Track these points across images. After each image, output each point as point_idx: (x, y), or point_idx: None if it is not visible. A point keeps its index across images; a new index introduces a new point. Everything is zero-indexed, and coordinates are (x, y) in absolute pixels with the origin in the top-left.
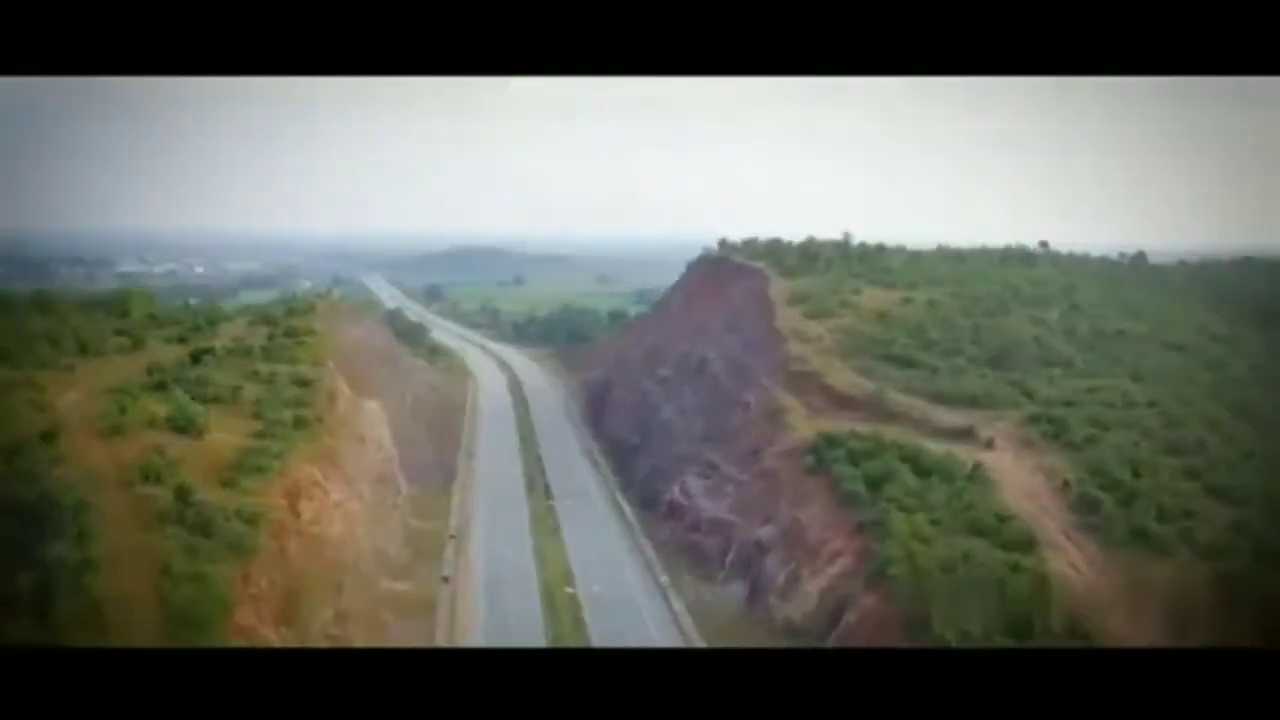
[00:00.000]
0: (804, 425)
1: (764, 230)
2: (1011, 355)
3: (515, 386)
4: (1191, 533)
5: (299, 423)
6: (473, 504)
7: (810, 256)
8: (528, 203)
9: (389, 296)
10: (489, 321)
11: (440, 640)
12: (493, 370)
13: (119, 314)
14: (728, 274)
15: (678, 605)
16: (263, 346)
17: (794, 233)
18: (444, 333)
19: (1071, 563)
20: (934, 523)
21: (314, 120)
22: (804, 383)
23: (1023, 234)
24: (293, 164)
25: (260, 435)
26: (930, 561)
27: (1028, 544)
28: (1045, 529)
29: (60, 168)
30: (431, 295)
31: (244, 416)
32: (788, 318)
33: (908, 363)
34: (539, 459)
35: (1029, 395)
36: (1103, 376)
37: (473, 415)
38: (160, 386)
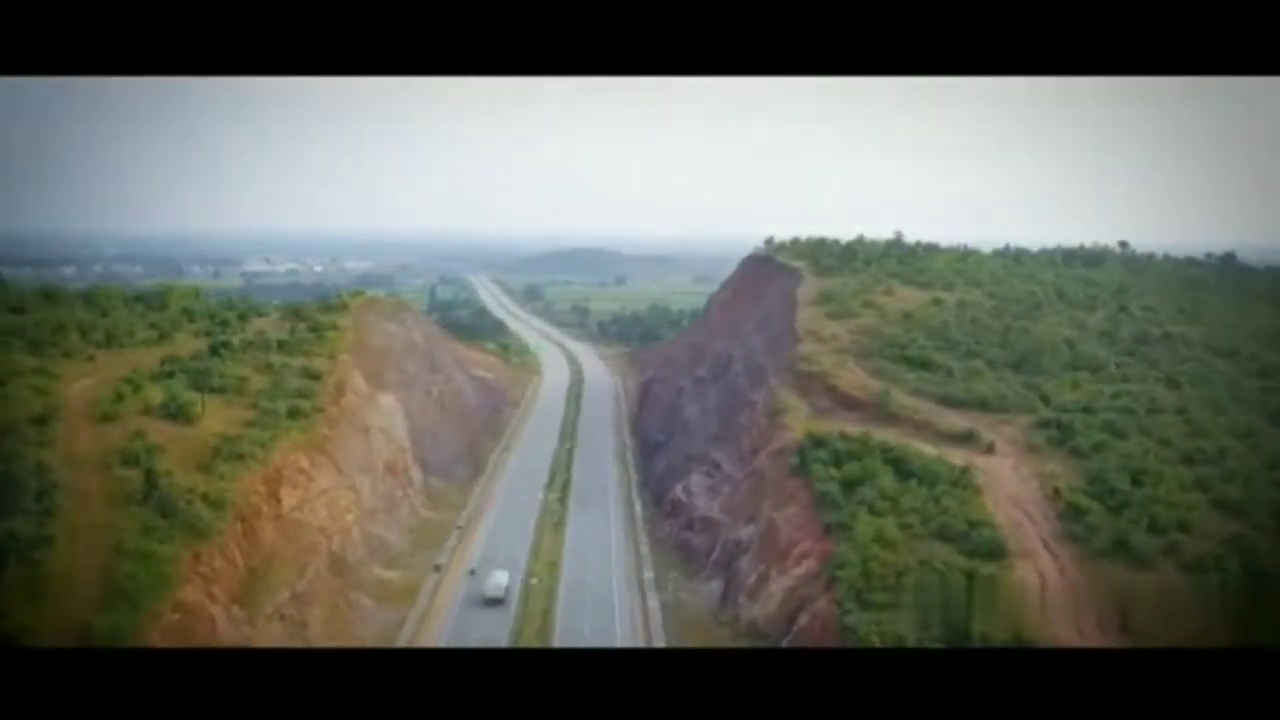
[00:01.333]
0: (800, 425)
1: (853, 229)
2: (1038, 358)
3: (576, 385)
4: (1179, 545)
5: (295, 413)
6: (491, 497)
7: (848, 256)
8: (638, 204)
9: (489, 294)
10: (578, 320)
11: (409, 626)
12: (562, 368)
13: (158, 308)
14: (769, 273)
15: (652, 602)
16: (280, 340)
17: (880, 231)
18: (532, 331)
19: (1040, 571)
20: (904, 527)
21: (436, 121)
22: (810, 383)
23: (1112, 233)
24: (415, 165)
25: (251, 424)
26: (885, 566)
27: (995, 551)
28: (1024, 536)
29: (192, 168)
30: (530, 294)
31: (245, 406)
32: (807, 317)
33: (923, 364)
34: (570, 455)
35: (1045, 400)
36: (1133, 381)
37: (525, 412)
38: (169, 376)
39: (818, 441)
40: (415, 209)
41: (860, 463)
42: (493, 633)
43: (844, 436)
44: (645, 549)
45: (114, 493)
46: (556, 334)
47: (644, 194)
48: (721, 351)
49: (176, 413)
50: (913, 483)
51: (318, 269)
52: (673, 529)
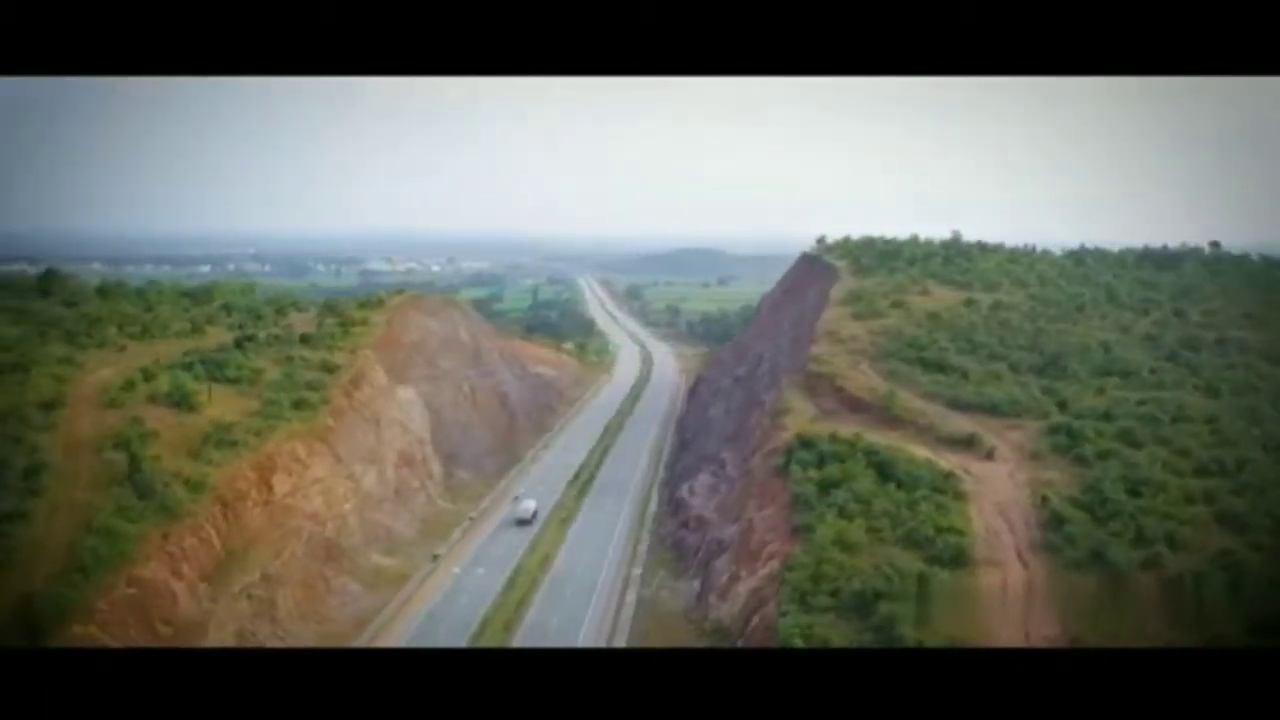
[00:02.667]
0: (796, 426)
1: (958, 229)
2: (1066, 362)
3: (640, 383)
4: (1161, 559)
5: (301, 404)
6: (513, 490)
7: (891, 255)
8: (750, 202)
9: (592, 294)
10: (668, 320)
11: (386, 613)
12: (635, 366)
13: (204, 303)
14: (816, 273)
15: (630, 598)
16: (304, 335)
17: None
18: (621, 330)
19: (1005, 580)
20: (872, 531)
21: (558, 124)
22: (818, 384)
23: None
24: (536, 167)
25: (253, 414)
26: (839, 569)
27: (957, 559)
28: (997, 545)
29: (323, 170)
30: (632, 294)
31: (255, 397)
32: (831, 318)
33: (939, 366)
34: (605, 452)
35: (1062, 405)
36: (1167, 388)
37: (579, 409)
38: (188, 367)
39: (806, 443)
40: (539, 210)
41: (842, 465)
42: (462, 621)
43: (833, 438)
44: (644, 546)
45: (100, 474)
46: (644, 333)
47: (757, 193)
48: (757, 352)
49: (180, 401)
50: (891, 486)
51: (435, 268)
52: (672, 527)
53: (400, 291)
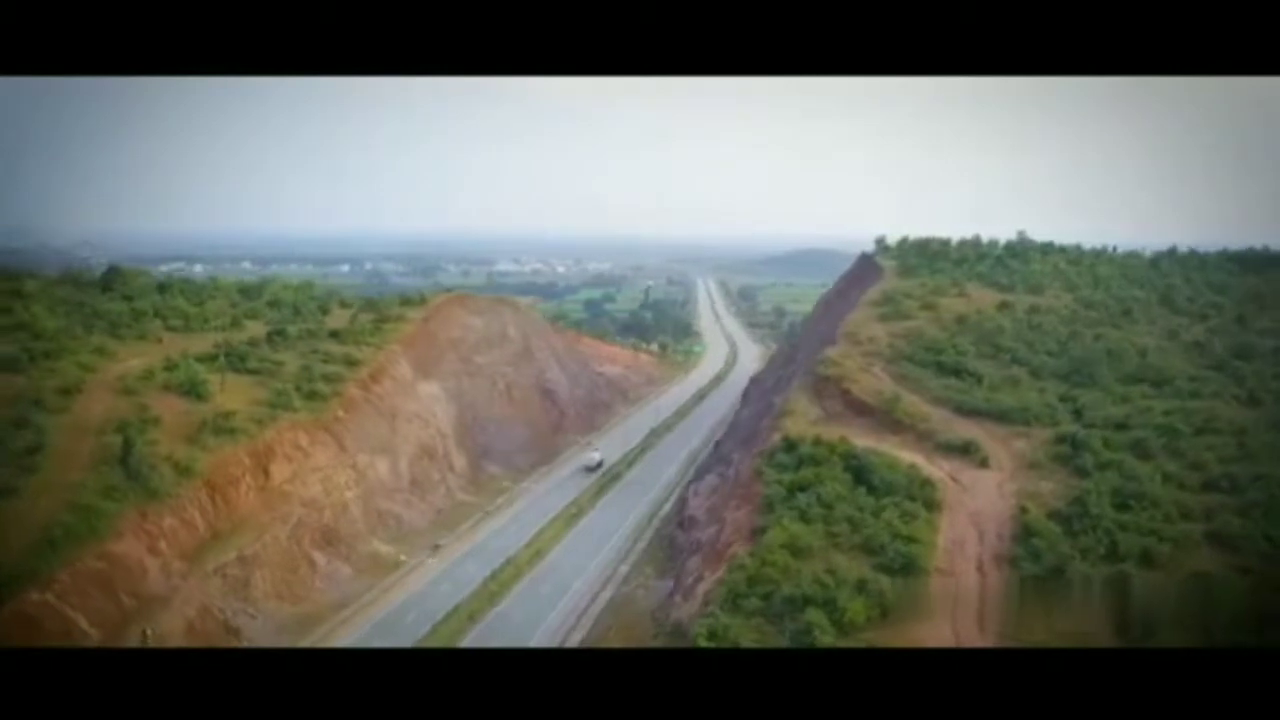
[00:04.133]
0: (791, 428)
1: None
2: (1093, 369)
3: (713, 384)
4: (1126, 578)
5: (312, 395)
6: (537, 486)
7: (939, 255)
8: (877, 202)
9: (705, 295)
10: (773, 322)
11: (368, 596)
12: (716, 367)
13: (254, 298)
14: (867, 274)
15: (605, 595)
16: (332, 330)
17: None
18: (719, 330)
19: (957, 592)
20: (830, 536)
21: (680, 125)
22: (826, 386)
23: None
24: (659, 169)
25: (259, 403)
26: (781, 573)
27: (907, 567)
28: (959, 556)
29: (456, 172)
30: (744, 295)
31: (269, 389)
32: (856, 319)
33: (955, 370)
34: (641, 453)
35: (1078, 413)
36: (1202, 398)
37: (638, 408)
38: (210, 358)
39: (790, 445)
40: (667, 212)
41: (816, 468)
42: (431, 611)
43: (816, 441)
44: (643, 544)
45: (95, 456)
46: (742, 334)
47: (884, 192)
48: (795, 353)
49: (190, 390)
50: (862, 492)
51: (560, 269)
52: (672, 526)
53: (447, 291)
